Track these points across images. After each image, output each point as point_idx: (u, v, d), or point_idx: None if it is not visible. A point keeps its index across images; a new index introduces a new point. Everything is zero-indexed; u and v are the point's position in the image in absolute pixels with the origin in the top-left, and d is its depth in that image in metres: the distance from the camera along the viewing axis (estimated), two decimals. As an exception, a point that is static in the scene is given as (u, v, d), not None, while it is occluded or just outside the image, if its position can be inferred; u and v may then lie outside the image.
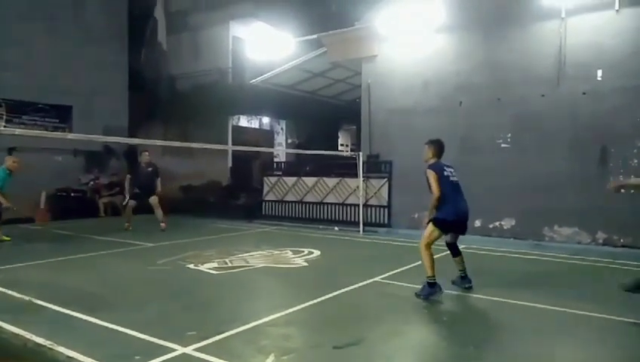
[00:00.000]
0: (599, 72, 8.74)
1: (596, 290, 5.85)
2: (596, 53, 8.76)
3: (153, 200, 10.44)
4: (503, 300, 5.22)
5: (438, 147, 5.70)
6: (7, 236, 8.67)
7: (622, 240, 8.43)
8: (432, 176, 5.39)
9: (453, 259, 5.71)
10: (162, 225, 10.42)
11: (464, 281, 5.66)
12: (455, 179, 5.55)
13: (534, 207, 9.15)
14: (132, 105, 16.43)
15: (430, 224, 5.34)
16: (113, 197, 13.94)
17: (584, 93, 8.86)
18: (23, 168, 8.60)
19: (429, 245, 5.30)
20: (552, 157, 9.09)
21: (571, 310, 4.83)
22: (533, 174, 9.20)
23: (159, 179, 10.70)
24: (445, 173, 5.45)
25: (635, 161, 8.41)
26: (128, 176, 11.08)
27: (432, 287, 5.20)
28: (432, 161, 5.61)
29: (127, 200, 10.67)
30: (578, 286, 6.05)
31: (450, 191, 5.39)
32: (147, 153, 10.70)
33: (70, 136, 7.46)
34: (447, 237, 5.62)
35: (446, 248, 5.73)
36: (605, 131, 8.64)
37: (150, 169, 10.62)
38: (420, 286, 5.32)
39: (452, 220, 5.40)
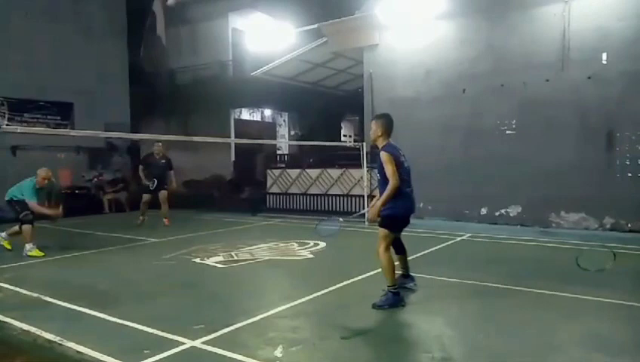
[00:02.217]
0: (604, 56, 8.64)
1: (607, 276, 5.81)
2: (601, 37, 8.65)
3: (162, 195, 10.23)
4: (513, 288, 5.19)
5: (389, 123, 4.80)
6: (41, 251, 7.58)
7: (629, 225, 8.39)
8: (388, 160, 4.49)
9: (397, 256, 4.99)
10: (165, 221, 10.28)
11: (407, 280, 5.05)
12: (408, 165, 4.76)
13: (541, 194, 9.11)
14: (133, 101, 16.39)
15: (381, 225, 4.61)
16: (117, 194, 13.96)
17: (589, 78, 8.76)
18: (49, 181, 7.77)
19: (387, 248, 4.60)
20: (557, 143, 9.03)
21: (585, 296, 4.81)
22: (538, 160, 9.14)
23: (173, 171, 10.42)
24: (401, 158, 4.65)
25: (642, 144, 8.34)
26: (140, 166, 10.57)
27: (397, 296, 4.57)
28: (382, 140, 4.74)
29: (151, 184, 10.10)
30: (590, 273, 6.01)
31: (405, 179, 4.59)
32: (160, 144, 10.31)
33: (73, 132, 7.39)
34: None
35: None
36: (611, 115, 8.56)
37: (164, 161, 10.31)
38: (415, 275, 5.23)
39: (405, 215, 4.69)
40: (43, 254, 7.24)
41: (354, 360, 3.49)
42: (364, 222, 10.53)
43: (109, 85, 15.47)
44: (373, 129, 4.82)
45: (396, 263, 4.84)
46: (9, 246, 7.62)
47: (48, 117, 13.97)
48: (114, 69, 15.82)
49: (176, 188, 10.42)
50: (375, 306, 4.53)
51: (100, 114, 14.47)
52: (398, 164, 4.56)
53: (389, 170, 4.47)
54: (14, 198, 7.33)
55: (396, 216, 4.61)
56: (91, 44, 14.95)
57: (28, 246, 7.26)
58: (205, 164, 15.90)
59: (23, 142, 11.93)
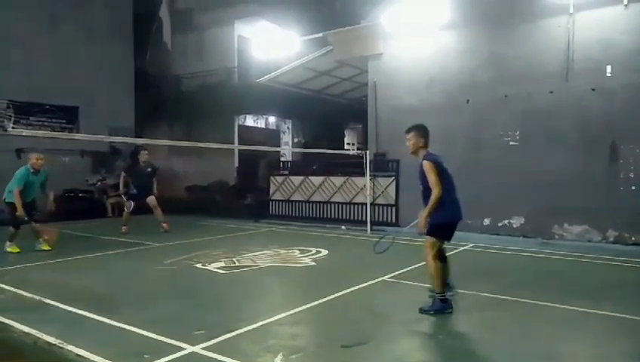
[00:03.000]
0: (608, 68, 8.64)
1: (610, 289, 5.79)
2: (605, 49, 8.67)
3: (151, 200, 10.13)
4: (515, 299, 5.17)
5: (427, 134, 4.84)
6: (18, 247, 7.88)
7: (632, 238, 8.34)
8: (432, 169, 4.52)
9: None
10: (164, 225, 10.15)
11: (446, 289, 4.86)
12: (450, 172, 4.79)
13: (543, 205, 9.08)
14: (138, 106, 16.49)
15: (428, 234, 4.61)
16: (120, 198, 13.99)
17: (593, 90, 8.77)
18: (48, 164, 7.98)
19: (436, 257, 4.61)
20: (561, 154, 9.01)
21: (588, 309, 4.78)
22: (541, 171, 9.12)
23: (154, 179, 10.36)
24: (444, 165, 4.68)
25: (646, 157, 8.32)
26: (123, 173, 10.58)
27: (444, 303, 4.59)
28: (423, 151, 4.77)
29: (124, 200, 10.20)
30: (593, 286, 5.98)
31: (449, 187, 4.64)
32: (146, 152, 10.37)
33: (78, 136, 7.44)
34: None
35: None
36: (615, 128, 8.55)
37: (149, 169, 10.30)
38: (417, 284, 5.24)
39: (453, 222, 4.72)
40: (19, 250, 7.70)
41: (354, 368, 3.47)
42: (367, 230, 10.55)
43: (114, 90, 15.58)
44: (413, 141, 4.82)
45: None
46: (18, 250, 7.77)
47: (53, 120, 14.07)
48: (119, 73, 15.94)
49: (157, 195, 10.29)
50: (421, 311, 4.58)
51: (105, 118, 14.56)
52: (442, 173, 4.58)
53: (432, 179, 4.50)
54: (9, 200, 7.52)
55: (442, 224, 4.61)
56: (97, 49, 15.08)
57: (8, 243, 7.68)
58: (209, 170, 15.94)
59: (27, 145, 11.96)
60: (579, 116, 8.89)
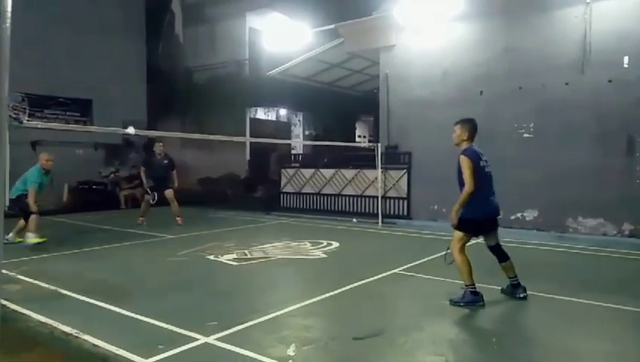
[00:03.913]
0: (625, 59, 8.47)
1: (625, 283, 5.72)
2: (622, 40, 8.49)
3: (169, 193, 10.12)
4: (531, 293, 5.12)
5: (473, 128, 4.81)
6: (42, 237, 7.83)
7: (649, 232, 8.22)
8: (467, 165, 4.52)
9: (501, 266, 4.89)
10: (179, 219, 10.14)
11: (517, 290, 4.83)
12: (489, 170, 4.77)
13: (558, 198, 8.97)
14: (150, 98, 16.58)
15: (456, 228, 4.66)
16: (134, 190, 14.14)
17: (610, 81, 8.60)
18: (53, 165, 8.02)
19: (461, 250, 4.66)
20: (576, 147, 8.88)
21: (605, 304, 4.73)
22: (556, 164, 9.00)
23: (175, 172, 10.34)
24: (481, 163, 4.64)
25: (664, 150, 8.17)
26: (143, 168, 10.57)
27: (475, 296, 4.59)
28: (465, 145, 4.75)
29: (149, 195, 10.13)
30: (610, 280, 5.92)
31: (484, 184, 4.62)
32: (161, 144, 10.34)
33: (91, 128, 7.49)
34: (487, 241, 4.90)
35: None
36: (632, 120, 8.39)
37: (166, 161, 10.25)
38: (428, 277, 5.24)
39: (482, 220, 4.68)
40: (45, 239, 7.64)
41: (365, 360, 3.48)
42: (378, 223, 10.53)
43: (127, 83, 15.69)
44: (458, 133, 4.83)
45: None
46: (22, 239, 7.80)
47: (67, 113, 14.22)
48: (132, 66, 16.03)
49: (176, 188, 10.26)
50: (451, 302, 4.62)
51: (118, 111, 14.67)
52: (477, 169, 4.58)
53: (466, 174, 4.52)
54: (23, 194, 7.52)
55: (474, 219, 4.62)
56: (110, 43, 15.17)
57: (30, 234, 7.56)
58: (220, 163, 16.02)
59: (42, 138, 12.14)
60: (595, 108, 8.74)
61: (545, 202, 9.18)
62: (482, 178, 4.61)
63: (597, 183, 8.61)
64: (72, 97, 14.24)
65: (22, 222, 7.80)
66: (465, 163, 4.55)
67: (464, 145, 4.77)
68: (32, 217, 7.60)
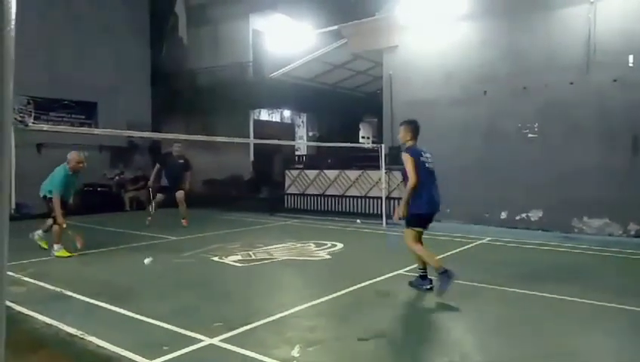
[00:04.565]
0: (630, 58, 8.44)
1: (631, 284, 5.68)
2: (627, 39, 8.46)
3: (180, 194, 10.12)
4: (535, 293, 5.10)
5: (415, 128, 5.26)
6: (69, 251, 7.26)
7: (655, 232, 8.17)
8: (409, 161, 4.93)
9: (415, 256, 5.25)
10: (184, 221, 10.14)
11: (424, 281, 5.13)
12: (431, 165, 5.13)
13: (562, 198, 8.93)
14: (154, 100, 16.64)
15: (406, 225, 5.02)
16: (138, 192, 14.19)
17: (615, 81, 8.57)
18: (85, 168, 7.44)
19: (415, 240, 5.01)
20: (580, 147, 8.85)
21: (610, 304, 4.71)
22: (561, 164, 8.97)
23: (189, 173, 10.36)
24: (422, 159, 5.03)
25: (669, 149, 8.12)
26: (157, 165, 10.51)
27: (446, 274, 4.77)
28: (409, 143, 5.19)
29: (152, 192, 10.15)
30: (616, 280, 5.88)
31: (426, 179, 4.98)
32: (180, 144, 10.31)
33: (96, 131, 7.46)
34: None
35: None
36: (637, 119, 8.36)
37: (182, 161, 10.23)
38: (433, 277, 5.25)
39: (428, 214, 5.03)
40: (70, 254, 7.10)
41: (371, 361, 3.47)
42: (382, 224, 10.52)
43: (131, 85, 15.75)
44: (402, 133, 5.28)
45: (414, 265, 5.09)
46: (46, 246, 7.44)
47: (73, 116, 14.28)
48: (136, 68, 16.09)
49: (187, 189, 10.26)
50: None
51: (122, 113, 14.73)
52: (419, 165, 4.95)
53: (409, 169, 4.91)
54: (49, 196, 7.10)
55: (417, 214, 4.96)
56: (115, 45, 15.24)
57: (56, 246, 7.14)
58: (224, 164, 16.04)
59: (48, 140, 12.20)
60: (600, 108, 8.71)
61: (550, 202, 9.15)
62: (424, 173, 4.98)
63: (602, 183, 8.58)
64: (77, 100, 14.31)
65: (49, 221, 7.32)
66: (406, 159, 4.96)
67: (408, 144, 5.21)
68: (54, 228, 7.09)
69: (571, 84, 8.99)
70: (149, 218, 10.03)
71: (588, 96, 8.82)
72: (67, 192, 7.25)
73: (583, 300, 4.82)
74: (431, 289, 5.06)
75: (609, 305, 4.65)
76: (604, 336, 3.99)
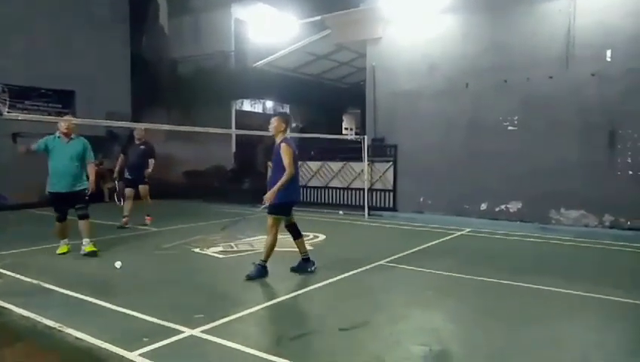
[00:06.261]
0: (608, 53, 8.59)
1: (607, 273, 5.83)
2: (606, 34, 8.60)
3: (143, 190, 9.20)
4: (514, 283, 5.21)
5: (289, 120, 5.51)
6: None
7: (629, 223, 8.39)
8: (288, 152, 5.15)
9: (296, 242, 5.58)
10: (147, 219, 9.28)
11: (307, 264, 5.55)
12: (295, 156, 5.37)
13: (541, 190, 9.10)
14: (134, 90, 16.36)
15: (273, 212, 5.23)
16: (115, 183, 13.95)
17: (593, 75, 8.72)
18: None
19: (277, 229, 5.32)
20: (559, 140, 9.00)
21: (587, 293, 4.83)
22: (540, 157, 9.12)
23: (153, 160, 9.24)
24: (296, 151, 5.31)
25: (644, 143, 8.32)
26: (121, 155, 9.45)
27: (264, 269, 5.30)
28: (281, 135, 5.33)
29: (116, 184, 9.16)
30: (592, 270, 6.03)
31: (296, 172, 5.30)
32: (142, 129, 9.36)
33: (74, 120, 7.19)
34: (289, 220, 5.49)
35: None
36: (614, 113, 8.53)
37: (143, 147, 9.17)
38: (413, 268, 5.40)
39: (294, 202, 5.40)
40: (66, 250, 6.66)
41: (353, 351, 3.50)
42: (364, 215, 10.58)
43: (111, 74, 15.43)
44: (276, 125, 5.37)
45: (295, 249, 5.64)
46: (66, 249, 6.75)
47: (50, 104, 13.95)
48: (116, 57, 15.77)
49: (149, 174, 9.19)
50: (248, 277, 5.21)
51: (101, 102, 14.44)
52: (295, 157, 5.23)
53: (287, 160, 5.12)
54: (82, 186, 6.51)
55: (286, 203, 5.30)
56: (94, 33, 14.90)
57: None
58: (206, 155, 15.90)
59: (23, 130, 11.89)
60: (578, 101, 8.86)
61: (529, 194, 9.31)
62: (296, 166, 5.26)
63: (579, 176, 8.76)
64: (54, 88, 13.98)
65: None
66: (286, 150, 5.16)
67: (280, 136, 5.33)
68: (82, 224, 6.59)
69: (550, 78, 9.12)
70: (125, 218, 9.03)
71: (567, 90, 8.96)
72: (56, 161, 6.39)
73: (561, 290, 4.93)
74: (314, 270, 5.48)
75: (587, 294, 4.78)
76: (582, 325, 4.09)
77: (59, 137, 6.53)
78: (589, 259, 6.71)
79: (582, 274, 5.64)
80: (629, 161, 8.44)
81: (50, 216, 6.82)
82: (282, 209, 5.30)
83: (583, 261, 6.55)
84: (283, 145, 5.20)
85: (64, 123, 6.61)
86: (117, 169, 9.49)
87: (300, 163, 12.38)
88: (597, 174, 8.62)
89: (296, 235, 5.57)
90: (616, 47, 8.52)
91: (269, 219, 5.29)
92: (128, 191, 9.22)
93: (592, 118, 8.72)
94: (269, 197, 5.18)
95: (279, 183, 5.11)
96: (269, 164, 5.45)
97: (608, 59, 8.59)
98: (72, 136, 6.63)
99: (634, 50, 8.35)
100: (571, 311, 4.43)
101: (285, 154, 5.14)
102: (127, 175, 9.28)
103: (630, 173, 8.44)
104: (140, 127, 9.75)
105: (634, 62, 8.34)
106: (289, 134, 5.50)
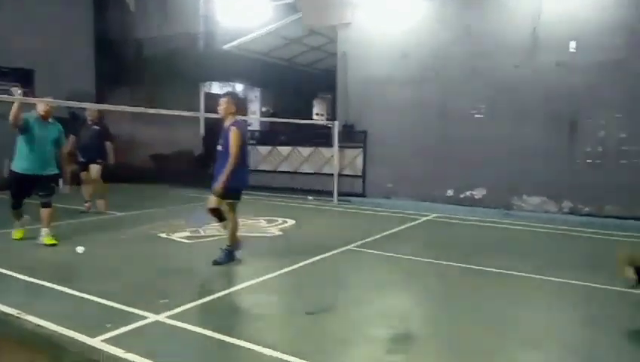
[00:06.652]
0: (572, 44, 8.81)
1: (565, 257, 6.07)
2: (571, 26, 8.80)
3: (93, 169, 8.53)
4: (475, 267, 5.36)
5: (240, 102, 5.37)
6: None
7: (586, 209, 8.73)
8: (237, 136, 4.96)
9: (221, 225, 5.50)
10: (86, 205, 8.65)
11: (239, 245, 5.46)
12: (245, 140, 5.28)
13: (505, 177, 9.35)
14: (99, 70, 15.80)
15: (227, 197, 5.14)
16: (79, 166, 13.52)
17: (557, 65, 8.95)
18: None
19: (236, 213, 5.34)
20: (523, 128, 9.23)
21: (543, 276, 5.02)
22: (505, 144, 9.34)
23: (109, 143, 8.74)
24: (247, 135, 5.21)
25: (603, 132, 8.62)
26: (72, 136, 8.50)
27: (232, 253, 5.32)
28: (231, 118, 5.13)
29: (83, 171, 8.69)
30: (549, 254, 6.26)
31: (245, 156, 5.20)
32: (96, 110, 8.92)
33: (32, 101, 6.81)
34: (214, 202, 5.25)
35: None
36: (576, 103, 8.78)
37: (96, 128, 8.64)
38: (380, 253, 5.47)
39: (245, 187, 5.36)
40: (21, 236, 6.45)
41: (319, 334, 3.54)
42: (333, 200, 10.63)
43: (73, 52, 14.81)
44: (225, 106, 5.15)
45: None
46: (21, 235, 6.52)
47: (7, 84, 13.30)
48: (79, 35, 15.14)
49: (110, 162, 8.81)
50: (215, 262, 5.16)
51: (63, 82, 13.84)
52: (244, 141, 5.10)
53: (235, 145, 4.95)
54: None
55: (237, 188, 5.23)
56: (55, 10, 14.21)
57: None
58: (173, 139, 15.55)
59: (-22, 109, 11.33)
60: (542, 91, 9.08)
61: (493, 181, 9.55)
62: (244, 150, 5.14)
63: (541, 163, 9.03)
64: (11, 67, 13.33)
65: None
66: (235, 135, 4.96)
67: (230, 118, 5.13)
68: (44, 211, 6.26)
69: (516, 67, 9.30)
70: (87, 203, 8.76)
71: (532, 79, 9.17)
72: (35, 144, 6.21)
73: (522, 273, 5.11)
74: (238, 260, 5.38)
75: (547, 278, 4.97)
76: (542, 307, 4.26)
77: (37, 118, 6.31)
78: (549, 244, 6.96)
79: (542, 259, 5.85)
80: (588, 149, 8.75)
81: (6, 200, 6.55)
82: (235, 194, 5.23)
83: (544, 246, 6.80)
84: (233, 128, 4.98)
85: (43, 105, 6.38)
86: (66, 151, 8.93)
87: (269, 148, 12.51)
88: (558, 162, 8.90)
89: (222, 219, 5.47)
90: (580, 39, 8.75)
91: (227, 204, 5.23)
92: (84, 174, 8.77)
93: (555, 107, 8.98)
94: (218, 190, 5.09)
95: (226, 174, 4.99)
96: (219, 148, 5.21)
97: (572, 50, 8.82)
98: (50, 120, 6.47)
99: (598, 42, 8.59)
100: (532, 293, 4.61)
101: (234, 141, 4.94)
102: (80, 158, 8.75)
103: (589, 161, 8.75)
104: (103, 108, 9.33)
105: (597, 54, 8.60)
106: (239, 117, 5.31)
